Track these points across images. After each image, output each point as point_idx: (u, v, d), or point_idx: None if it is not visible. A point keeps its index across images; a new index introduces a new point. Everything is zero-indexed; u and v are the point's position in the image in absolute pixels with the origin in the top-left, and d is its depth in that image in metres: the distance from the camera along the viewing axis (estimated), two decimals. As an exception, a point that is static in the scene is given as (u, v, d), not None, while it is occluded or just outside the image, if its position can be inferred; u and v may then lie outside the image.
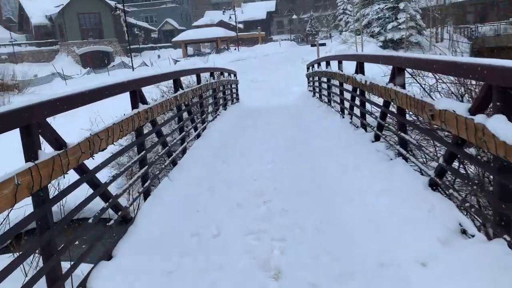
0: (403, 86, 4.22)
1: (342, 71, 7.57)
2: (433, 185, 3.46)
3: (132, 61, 39.67)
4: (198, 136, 7.18)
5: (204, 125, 7.84)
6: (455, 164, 3.65)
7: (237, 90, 14.08)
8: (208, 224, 3.86)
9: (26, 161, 2.35)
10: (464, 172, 3.84)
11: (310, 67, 13.51)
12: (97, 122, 7.80)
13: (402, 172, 3.93)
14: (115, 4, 48.47)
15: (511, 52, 21.68)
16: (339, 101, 7.99)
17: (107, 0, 49.44)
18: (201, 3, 75.41)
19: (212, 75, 9.67)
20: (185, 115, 6.60)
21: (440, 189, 3.52)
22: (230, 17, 56.79)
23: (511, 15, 29.79)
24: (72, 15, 47.63)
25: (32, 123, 2.39)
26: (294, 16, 68.70)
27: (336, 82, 8.26)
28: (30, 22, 50.87)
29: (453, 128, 2.85)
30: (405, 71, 4.36)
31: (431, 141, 5.09)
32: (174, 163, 5.43)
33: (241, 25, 59.22)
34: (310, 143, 6.76)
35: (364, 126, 6.01)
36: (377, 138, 5.28)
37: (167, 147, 5.19)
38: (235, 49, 49.93)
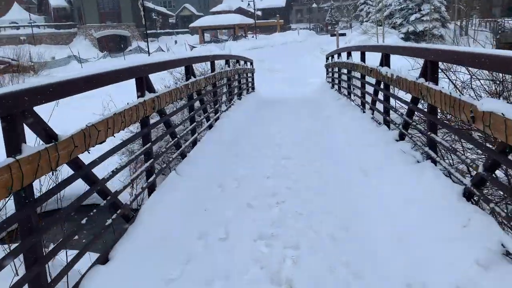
0: (436, 82, 3.81)
1: (364, 62, 7.14)
2: (468, 195, 3.08)
3: (148, 46, 39.48)
4: (210, 127, 6.85)
5: (217, 115, 7.50)
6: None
7: (253, 79, 13.68)
8: (216, 226, 3.56)
9: (8, 156, 2.06)
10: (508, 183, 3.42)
11: (330, 58, 13.01)
12: (110, 108, 7.52)
13: (432, 178, 3.53)
14: (134, -12, 48.21)
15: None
16: (360, 95, 7.56)
17: (126, -17, 49.21)
18: (220, -11, 74.44)
19: (227, 63, 9.30)
20: (197, 104, 6.27)
21: (473, 200, 3.13)
22: (248, 4, 55.86)
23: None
24: (91, -2, 47.59)
25: (15, 112, 2.08)
26: (314, 5, 67.34)
27: (358, 75, 7.80)
28: (49, 4, 51.04)
29: (500, 134, 2.45)
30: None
31: (460, 144, 4.69)
32: (183, 155, 5.12)
33: (259, 13, 58.38)
34: (328, 138, 6.40)
35: (388, 123, 5.59)
36: (401, 137, 4.87)
37: (176, 139, 4.87)
38: (253, 36, 49.27)
